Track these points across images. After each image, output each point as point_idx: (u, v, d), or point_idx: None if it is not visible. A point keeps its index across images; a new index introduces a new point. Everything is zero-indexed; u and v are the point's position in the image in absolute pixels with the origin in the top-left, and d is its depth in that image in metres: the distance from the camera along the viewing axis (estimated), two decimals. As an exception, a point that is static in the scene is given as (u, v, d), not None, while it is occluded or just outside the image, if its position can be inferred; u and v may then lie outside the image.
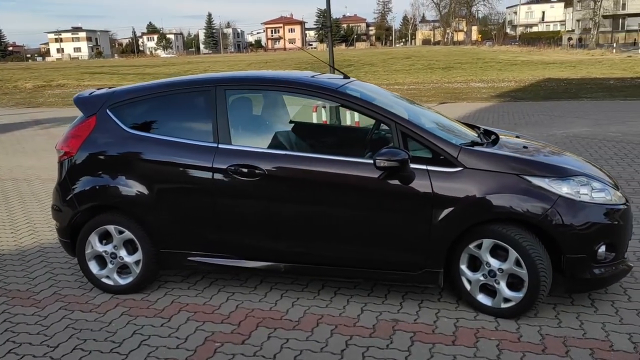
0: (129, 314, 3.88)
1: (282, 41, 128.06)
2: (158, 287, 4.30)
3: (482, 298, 3.66)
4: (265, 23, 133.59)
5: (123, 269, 4.19)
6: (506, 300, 3.56)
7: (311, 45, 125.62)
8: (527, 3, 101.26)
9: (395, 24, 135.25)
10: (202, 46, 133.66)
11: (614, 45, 52.46)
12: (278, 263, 3.90)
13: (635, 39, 64.98)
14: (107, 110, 4.18)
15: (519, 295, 3.51)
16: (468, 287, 3.68)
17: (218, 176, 3.85)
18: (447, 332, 3.46)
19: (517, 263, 3.46)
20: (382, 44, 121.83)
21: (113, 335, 3.59)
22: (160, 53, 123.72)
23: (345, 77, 4.41)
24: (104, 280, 4.21)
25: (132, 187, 4.02)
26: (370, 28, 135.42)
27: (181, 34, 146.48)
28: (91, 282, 4.28)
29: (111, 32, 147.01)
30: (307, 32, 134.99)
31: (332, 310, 3.81)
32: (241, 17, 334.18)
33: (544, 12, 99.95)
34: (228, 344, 3.43)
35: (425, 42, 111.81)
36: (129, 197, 4.02)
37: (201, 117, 4.07)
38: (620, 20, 71.14)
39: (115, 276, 4.18)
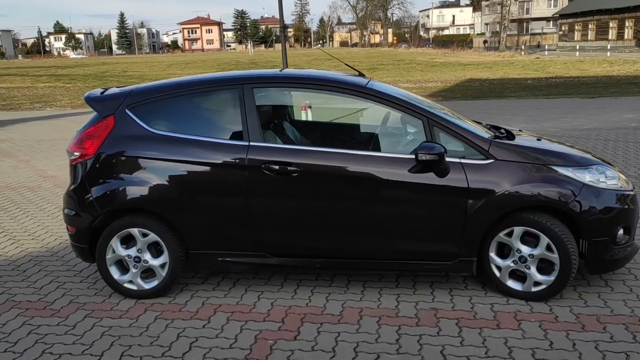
0: (164, 318, 3.78)
1: (199, 42, 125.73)
2: (181, 289, 4.20)
3: (511, 283, 3.86)
4: (182, 23, 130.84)
5: (146, 273, 4.07)
6: (537, 283, 3.79)
7: (229, 46, 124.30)
8: (439, 7, 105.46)
9: (313, 26, 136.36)
10: (114, 47, 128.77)
11: (523, 47, 55.66)
12: (313, 259, 3.94)
13: (539, 42, 69.30)
14: (127, 110, 4.04)
15: (550, 278, 3.74)
16: (497, 273, 3.88)
17: (251, 174, 3.83)
18: (488, 317, 3.64)
19: (548, 248, 3.70)
20: (301, 46, 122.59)
21: (157, 340, 3.49)
22: (70, 54, 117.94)
23: (361, 75, 4.50)
24: (127, 285, 4.07)
25: (159, 188, 3.91)
26: (289, 29, 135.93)
27: (91, 33, 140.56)
28: (112, 288, 4.12)
29: (14, 32, 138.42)
30: (225, 33, 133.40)
31: (368, 303, 3.89)
32: (156, 16, 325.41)
33: (454, 16, 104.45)
34: (281, 341, 3.43)
35: (343, 43, 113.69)
36: (156, 199, 3.92)
37: (229, 115, 4.03)
38: (525, 24, 75.58)
39: (139, 281, 4.05)
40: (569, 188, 3.69)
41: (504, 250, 3.86)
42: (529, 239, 3.77)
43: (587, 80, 23.48)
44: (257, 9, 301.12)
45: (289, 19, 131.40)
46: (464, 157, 3.76)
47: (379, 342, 3.39)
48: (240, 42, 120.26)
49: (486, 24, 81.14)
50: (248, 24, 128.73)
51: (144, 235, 3.98)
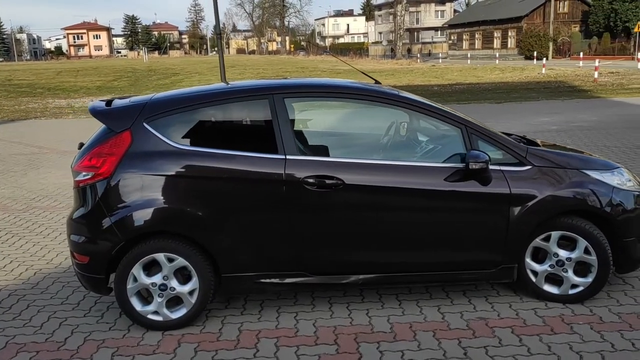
0: (204, 349, 3.45)
1: (86, 48, 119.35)
2: (206, 316, 3.86)
3: (548, 287, 3.92)
4: (66, 28, 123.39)
5: (170, 302, 3.70)
6: (574, 286, 3.88)
7: (120, 52, 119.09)
8: (334, 16, 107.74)
9: (209, 32, 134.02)
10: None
11: (419, 55, 58.19)
12: (356, 275, 3.77)
13: (430, 50, 72.89)
14: (145, 124, 3.66)
15: (588, 280, 3.84)
16: (534, 278, 3.92)
17: (291, 189, 3.60)
18: (538, 323, 3.65)
19: (586, 251, 3.79)
20: (196, 53, 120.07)
21: (212, 375, 3.17)
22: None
23: (377, 82, 4.41)
24: (151, 316, 3.67)
25: (189, 209, 3.58)
26: (184, 36, 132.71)
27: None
28: (133, 320, 3.71)
29: None
30: (114, 38, 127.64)
31: (413, 317, 3.78)
32: (36, 21, 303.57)
33: (348, 25, 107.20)
34: (347, 365, 3.25)
35: (240, 51, 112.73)
36: (186, 220, 3.58)
37: (260, 127, 3.78)
38: (416, 33, 79.19)
39: (165, 310, 3.67)
40: (602, 191, 3.82)
41: (539, 255, 3.92)
42: (564, 243, 3.85)
43: (487, 86, 24.92)
44: (148, 14, 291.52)
45: (182, 26, 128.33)
46: (503, 164, 3.77)
47: (448, 357, 3.30)
48: (131, 49, 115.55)
49: (380, 33, 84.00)
50: (139, 30, 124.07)
51: (170, 260, 3.62)
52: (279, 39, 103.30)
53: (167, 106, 3.75)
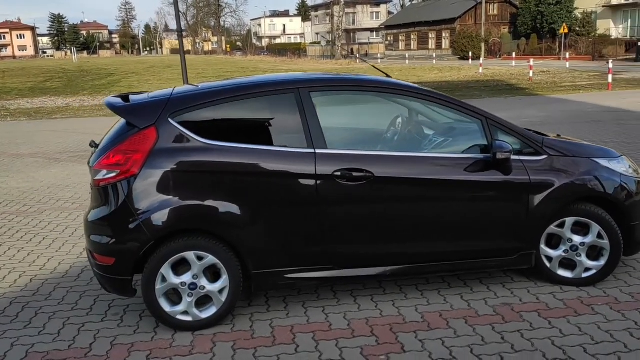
0: (243, 347, 3.38)
1: (10, 48, 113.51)
2: (233, 316, 3.77)
3: (562, 272, 4.08)
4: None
5: (199, 302, 3.60)
6: (587, 270, 4.05)
7: (46, 53, 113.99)
8: (270, 16, 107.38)
9: (140, 32, 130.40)
10: None
11: (357, 55, 58.90)
12: (384, 267, 3.79)
13: (366, 51, 73.91)
14: (170, 120, 3.54)
15: (600, 263, 4.02)
16: (548, 264, 4.07)
17: (322, 183, 3.58)
18: (560, 306, 3.79)
19: (599, 235, 3.97)
20: (128, 53, 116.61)
21: (260, 373, 3.11)
22: None
23: (388, 76, 4.45)
24: (180, 317, 3.56)
25: (219, 205, 3.50)
26: (114, 36, 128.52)
27: None
28: (162, 322, 3.58)
29: None
30: (40, 38, 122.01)
31: (439, 306, 3.84)
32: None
33: (285, 25, 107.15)
34: (392, 355, 3.26)
35: (174, 51, 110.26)
36: (216, 217, 3.50)
37: (287, 121, 3.72)
38: (353, 34, 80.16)
39: (195, 310, 3.56)
40: (612, 178, 4.01)
41: (552, 241, 4.07)
42: (577, 228, 4.01)
43: (429, 85, 25.35)
44: (76, 13, 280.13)
45: (112, 25, 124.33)
46: (521, 154, 3.90)
47: (487, 342, 3.37)
48: (58, 49, 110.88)
49: (317, 34, 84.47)
50: (66, 29, 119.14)
51: (200, 258, 3.52)
52: (214, 39, 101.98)
53: (192, 101, 3.64)
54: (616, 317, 3.61)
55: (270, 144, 3.64)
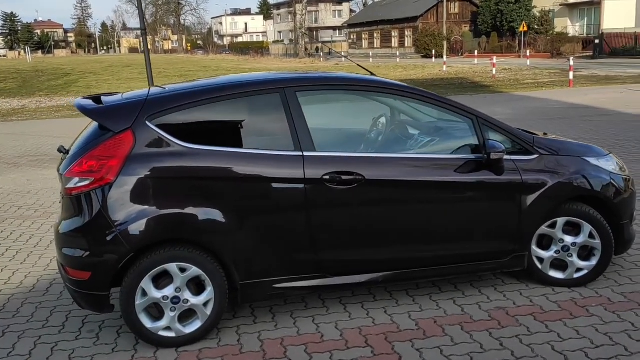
0: (232, 365, 3.18)
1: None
2: (218, 329, 3.56)
3: (553, 273, 4.00)
4: None
5: (182, 316, 3.38)
6: (578, 270, 3.98)
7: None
8: (231, 14, 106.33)
9: (97, 30, 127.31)
10: None
11: (321, 54, 58.85)
12: (377, 274, 3.64)
13: (330, 49, 73.92)
14: (147, 122, 3.30)
15: (592, 263, 3.96)
16: (539, 265, 3.99)
17: (311, 187, 3.41)
18: (555, 308, 3.70)
19: (590, 235, 3.91)
20: (85, 52, 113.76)
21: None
22: None
23: (372, 74, 4.30)
24: (162, 333, 3.34)
25: (202, 213, 3.29)
26: (69, 34, 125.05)
27: None
28: (143, 339, 3.35)
29: None
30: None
31: (432, 312, 3.72)
32: None
33: (246, 24, 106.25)
34: (390, 367, 3.12)
35: (132, 50, 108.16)
36: (200, 226, 3.29)
37: (273, 123, 3.54)
38: (315, 32, 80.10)
39: (178, 325, 3.34)
40: (603, 177, 3.96)
41: (543, 242, 3.99)
42: (568, 229, 3.94)
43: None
44: (29, 12, 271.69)
45: (68, 23, 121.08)
46: (512, 154, 3.80)
47: (486, 349, 3.26)
48: (11, 48, 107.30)
49: (280, 32, 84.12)
50: (20, 28, 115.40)
51: (182, 270, 3.30)
52: (174, 37, 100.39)
53: (170, 103, 3.42)
54: (612, 319, 3.54)
55: (256, 147, 3.45)
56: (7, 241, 5.50)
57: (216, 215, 3.30)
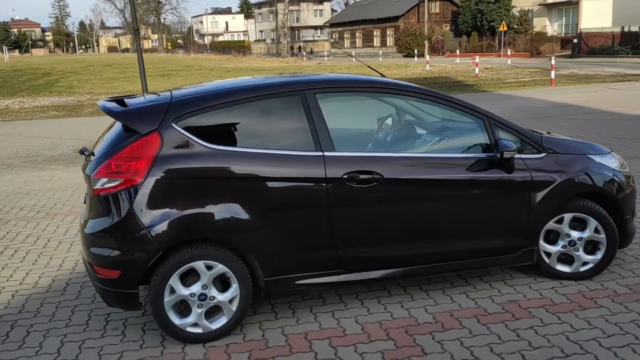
0: (261, 358, 3.28)
1: None
2: (241, 325, 3.64)
3: (560, 267, 4.16)
4: None
5: (208, 312, 3.46)
6: (584, 263, 4.14)
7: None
8: (212, 13, 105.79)
9: (75, 29, 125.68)
10: None
11: (304, 53, 58.89)
12: (395, 269, 3.76)
13: (311, 48, 74.00)
14: (173, 124, 3.38)
15: (597, 257, 4.12)
16: (547, 259, 4.15)
17: (332, 186, 3.52)
18: (564, 301, 3.86)
19: (596, 230, 4.07)
20: (63, 51, 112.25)
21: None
22: None
23: (383, 76, 4.42)
24: (190, 329, 3.41)
25: (228, 212, 3.37)
26: (47, 33, 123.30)
27: None
28: (171, 335, 3.43)
29: None
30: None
31: (446, 306, 3.84)
32: None
33: (227, 23, 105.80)
34: (413, 358, 3.23)
35: (111, 49, 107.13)
36: (227, 225, 3.37)
37: (293, 124, 3.63)
38: (297, 31, 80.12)
39: (205, 322, 3.42)
40: (607, 173, 4.13)
41: (550, 237, 4.14)
42: (574, 224, 4.10)
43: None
44: (6, 11, 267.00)
45: (45, 22, 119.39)
46: (522, 152, 3.95)
47: (505, 341, 3.39)
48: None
49: (261, 31, 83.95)
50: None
51: (209, 267, 3.38)
52: (154, 36, 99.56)
53: (194, 105, 3.49)
54: (620, 310, 3.70)
55: (278, 147, 3.54)
56: (15, 242, 5.51)
57: (241, 214, 3.39)
